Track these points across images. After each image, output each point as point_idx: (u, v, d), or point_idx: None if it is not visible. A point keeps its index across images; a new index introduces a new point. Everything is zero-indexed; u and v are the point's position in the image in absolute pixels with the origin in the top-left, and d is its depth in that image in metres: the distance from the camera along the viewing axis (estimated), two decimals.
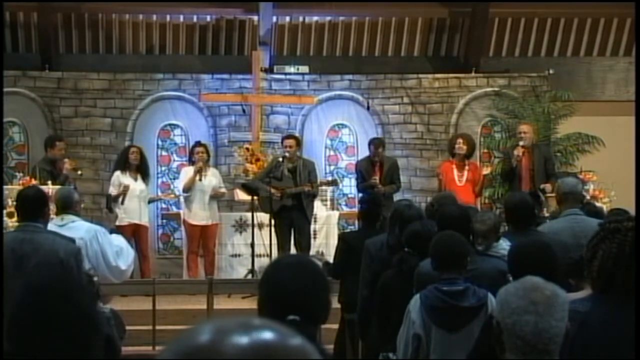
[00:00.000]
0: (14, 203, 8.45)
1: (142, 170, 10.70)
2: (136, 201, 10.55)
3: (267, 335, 1.35)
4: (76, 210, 6.35)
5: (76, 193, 6.63)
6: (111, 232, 6.65)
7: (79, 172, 10.66)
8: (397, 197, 10.92)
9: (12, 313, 2.34)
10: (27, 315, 2.32)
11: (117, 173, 10.61)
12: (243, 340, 1.33)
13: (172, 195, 11.45)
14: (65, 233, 5.74)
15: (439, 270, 4.63)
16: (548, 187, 10.09)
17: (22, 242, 5.14)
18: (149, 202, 11.03)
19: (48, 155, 10.51)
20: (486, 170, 11.09)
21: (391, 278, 5.42)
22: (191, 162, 10.89)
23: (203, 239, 10.78)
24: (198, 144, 11.05)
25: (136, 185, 10.57)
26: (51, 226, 6.00)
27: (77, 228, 6.08)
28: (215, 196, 10.83)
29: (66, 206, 6.21)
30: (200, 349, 1.32)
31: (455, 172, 10.64)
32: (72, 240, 5.48)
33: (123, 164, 10.62)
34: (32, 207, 5.30)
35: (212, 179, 10.83)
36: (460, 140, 10.80)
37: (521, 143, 10.39)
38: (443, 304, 4.50)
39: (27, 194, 5.46)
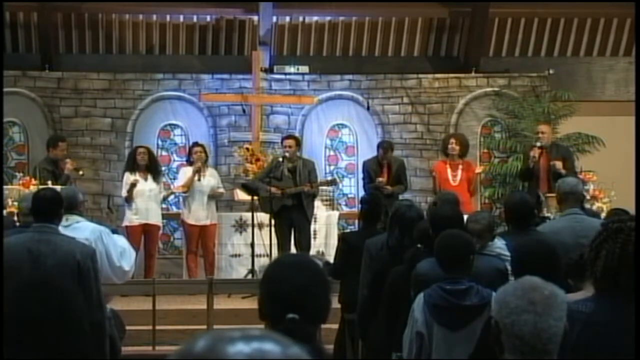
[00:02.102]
0: (14, 203, 8.49)
1: (151, 169, 10.66)
2: (146, 201, 10.52)
3: (266, 344, 1.36)
4: (80, 210, 6.35)
5: (80, 193, 6.63)
6: (113, 232, 6.65)
7: (81, 172, 10.66)
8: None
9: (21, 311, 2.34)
10: (28, 314, 2.32)
11: (127, 174, 10.61)
12: (241, 348, 1.34)
13: (182, 186, 11.35)
14: (70, 233, 5.75)
15: (444, 269, 4.63)
16: (558, 163, 9.97)
17: (38, 243, 5.15)
18: (164, 199, 11.03)
19: (50, 156, 10.51)
20: (478, 169, 11.05)
21: (402, 275, 5.40)
22: (190, 162, 10.89)
23: (202, 239, 10.78)
24: (196, 144, 11.05)
25: (146, 185, 10.54)
26: None
27: (82, 229, 6.08)
28: (214, 196, 10.83)
29: (71, 206, 6.21)
30: (198, 355, 1.34)
31: (449, 171, 10.63)
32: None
33: (132, 165, 10.60)
34: (49, 208, 5.32)
35: (210, 179, 10.83)
36: (452, 141, 10.79)
37: (538, 144, 10.21)
38: (445, 302, 4.51)
39: (45, 195, 5.46)
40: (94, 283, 5.19)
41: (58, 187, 9.45)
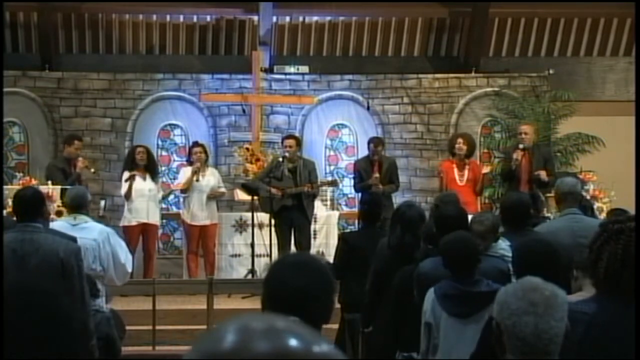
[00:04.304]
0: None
1: (150, 169, 10.65)
2: (145, 200, 10.49)
3: (292, 341, 1.34)
4: (88, 210, 6.36)
5: (89, 193, 6.63)
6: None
7: (92, 170, 10.66)
8: (397, 196, 10.94)
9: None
10: (15, 317, 2.31)
11: (126, 173, 10.61)
12: (266, 346, 1.32)
13: (182, 185, 11.33)
14: (78, 233, 5.75)
15: (451, 271, 4.63)
16: (542, 173, 10.01)
17: (22, 242, 5.14)
18: (163, 198, 11.01)
19: (64, 154, 10.59)
20: (486, 169, 11.04)
21: (410, 275, 5.37)
22: (190, 162, 10.88)
23: (202, 239, 10.76)
24: (196, 144, 11.04)
25: (144, 185, 10.53)
26: (63, 225, 5.99)
27: (90, 229, 6.09)
28: (214, 196, 10.80)
29: (80, 206, 6.22)
30: (223, 353, 1.32)
31: (455, 171, 10.59)
32: (73, 239, 5.48)
33: (130, 164, 10.60)
34: (31, 207, 5.30)
35: (210, 179, 10.81)
36: (460, 140, 10.75)
37: (521, 145, 10.26)
38: (455, 290, 4.53)
39: (25, 194, 5.45)
40: (77, 280, 5.16)
41: (56, 187, 9.56)
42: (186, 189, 10.70)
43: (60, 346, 2.29)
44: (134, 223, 10.44)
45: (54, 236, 5.36)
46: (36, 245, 5.15)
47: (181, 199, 11.13)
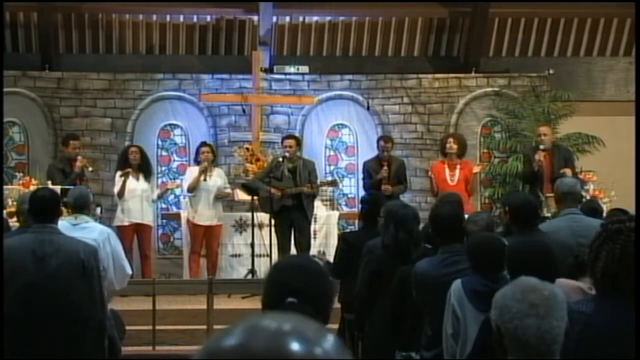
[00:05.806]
0: (14, 203, 8.50)
1: (143, 169, 10.65)
2: (138, 200, 10.50)
3: (293, 344, 1.33)
4: (89, 211, 6.37)
5: (91, 194, 6.64)
6: None
7: (90, 169, 10.66)
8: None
9: (22, 313, 2.34)
10: (38, 317, 2.32)
11: (118, 173, 10.60)
12: (264, 347, 1.32)
13: (177, 184, 11.33)
14: (79, 233, 5.76)
15: (478, 273, 4.61)
16: (568, 171, 9.95)
17: (42, 243, 5.15)
18: (158, 197, 11.01)
19: (64, 154, 10.61)
20: (476, 169, 11.02)
21: (408, 274, 5.37)
22: (197, 162, 10.85)
23: (207, 239, 10.74)
24: (204, 144, 11.01)
25: (137, 185, 10.54)
26: (63, 224, 6.00)
27: (90, 229, 6.09)
28: (220, 196, 10.79)
29: (82, 206, 6.23)
30: (222, 352, 1.33)
31: (447, 171, 10.58)
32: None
33: (123, 164, 10.60)
34: (49, 208, 5.32)
35: (217, 179, 10.80)
36: (450, 140, 10.76)
37: (542, 147, 10.21)
38: (484, 287, 4.52)
39: (43, 195, 5.46)
40: (97, 281, 5.20)
41: (57, 187, 9.56)
42: (193, 189, 10.67)
43: (80, 345, 2.30)
44: (126, 223, 10.44)
45: (71, 237, 5.37)
46: (55, 246, 5.16)
47: (182, 199, 11.11)
